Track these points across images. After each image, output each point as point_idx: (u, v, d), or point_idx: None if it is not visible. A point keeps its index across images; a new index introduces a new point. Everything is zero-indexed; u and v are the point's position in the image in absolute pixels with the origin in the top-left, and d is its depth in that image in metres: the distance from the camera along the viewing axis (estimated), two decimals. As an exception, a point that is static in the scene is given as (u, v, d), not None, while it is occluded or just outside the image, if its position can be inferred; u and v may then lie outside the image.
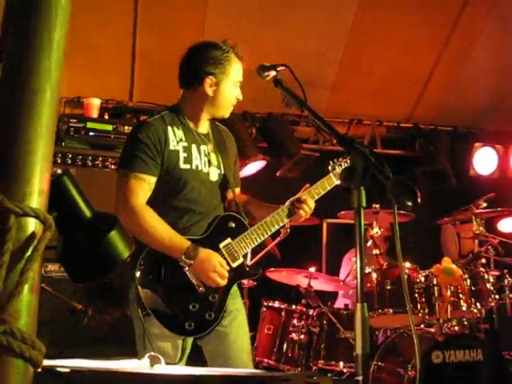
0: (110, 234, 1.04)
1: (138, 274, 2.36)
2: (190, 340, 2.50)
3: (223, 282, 2.42)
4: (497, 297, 4.19)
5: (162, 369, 1.40)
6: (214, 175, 2.59)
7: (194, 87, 2.54)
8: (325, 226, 5.51)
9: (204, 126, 2.63)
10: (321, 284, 4.56)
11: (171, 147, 2.46)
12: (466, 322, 4.36)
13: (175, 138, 2.49)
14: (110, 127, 3.82)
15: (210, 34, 4.93)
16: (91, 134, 3.74)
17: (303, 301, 4.35)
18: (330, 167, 2.89)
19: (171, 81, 5.18)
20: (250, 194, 2.97)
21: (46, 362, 1.34)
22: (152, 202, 2.42)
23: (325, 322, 4.14)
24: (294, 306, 4.32)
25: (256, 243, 2.55)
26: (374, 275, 3.92)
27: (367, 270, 3.97)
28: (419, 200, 1.62)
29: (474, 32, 5.25)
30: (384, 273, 3.93)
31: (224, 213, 2.60)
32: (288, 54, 5.17)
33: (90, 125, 3.74)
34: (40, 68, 0.91)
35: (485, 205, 4.60)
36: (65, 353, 3.43)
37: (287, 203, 2.63)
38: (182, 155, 2.48)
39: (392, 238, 4.92)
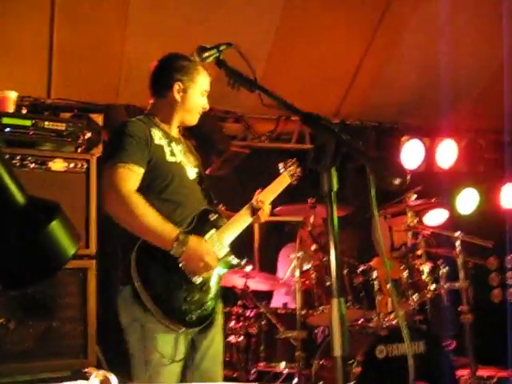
0: (51, 224, 0.83)
1: (133, 270, 2.34)
2: (187, 336, 2.50)
3: (216, 265, 2.50)
4: (432, 287, 4.20)
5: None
6: (192, 173, 2.68)
7: (164, 94, 2.68)
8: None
9: (175, 132, 2.75)
10: (256, 283, 4.41)
11: (156, 141, 2.55)
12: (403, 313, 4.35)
13: (156, 136, 2.58)
14: (28, 122, 3.49)
15: (133, 29, 4.69)
16: (7, 130, 3.40)
17: (239, 302, 4.19)
18: (280, 168, 3.04)
19: (90, 77, 4.95)
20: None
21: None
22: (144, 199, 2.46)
23: (263, 322, 4.01)
24: (230, 308, 4.16)
25: (237, 233, 2.66)
26: (314, 272, 3.82)
27: (306, 266, 3.88)
28: (408, 178, 1.51)
29: (398, 29, 5.29)
30: (323, 269, 3.84)
31: (202, 207, 2.65)
32: (214, 49, 5.04)
33: (5, 120, 3.39)
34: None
35: (414, 197, 4.62)
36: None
37: (247, 206, 2.76)
38: (167, 149, 2.58)
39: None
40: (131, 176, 2.43)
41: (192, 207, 2.59)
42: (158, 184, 2.52)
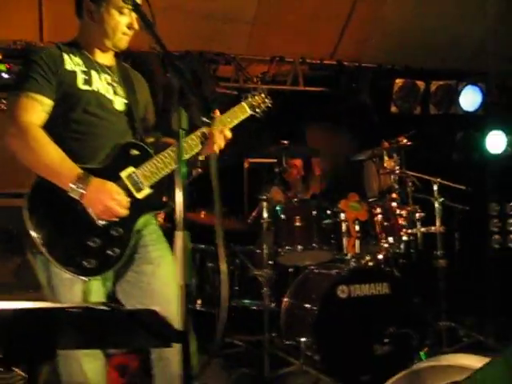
0: None
1: (26, 206, 2.12)
2: (96, 284, 2.23)
3: (123, 212, 2.21)
4: (409, 231, 4.23)
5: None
6: (120, 104, 2.43)
7: (81, 15, 2.40)
8: (246, 165, 5.42)
9: (105, 59, 2.47)
10: (236, 224, 4.50)
11: (67, 67, 2.30)
12: (380, 257, 4.41)
13: (72, 62, 2.32)
14: (2, 67, 3.60)
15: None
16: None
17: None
18: (243, 97, 2.77)
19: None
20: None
21: None
22: (50, 130, 2.23)
23: (237, 261, 4.13)
24: (207, 247, 4.29)
25: (165, 172, 2.33)
26: (284, 212, 3.89)
27: (278, 207, 3.95)
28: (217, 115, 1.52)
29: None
30: (293, 210, 3.90)
31: (125, 141, 2.37)
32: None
33: (-21, 64, 3.51)
34: None
35: (405, 141, 4.58)
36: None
37: (197, 132, 2.41)
38: (81, 76, 2.32)
39: (328, 179, 4.88)
40: (34, 107, 2.21)
41: (109, 140, 2.33)
42: (69, 114, 2.28)
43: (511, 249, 6.35)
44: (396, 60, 5.79)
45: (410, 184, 4.63)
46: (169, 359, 2.33)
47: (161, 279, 2.37)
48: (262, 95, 2.77)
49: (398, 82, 5.55)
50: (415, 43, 5.52)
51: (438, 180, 4.31)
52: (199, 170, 4.25)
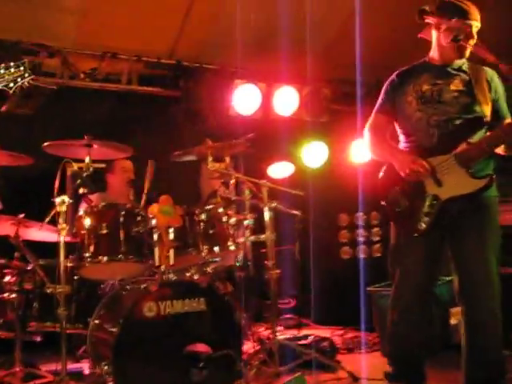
0: None
1: None
2: None
3: None
4: (238, 241, 3.87)
5: None
6: None
7: None
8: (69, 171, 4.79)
9: None
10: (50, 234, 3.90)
11: None
12: (208, 270, 4.03)
13: None
14: None
15: None
16: None
17: (17, 254, 3.70)
18: None
19: None
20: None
21: None
22: None
23: (37, 277, 3.54)
24: (7, 261, 3.67)
25: None
26: (88, 219, 3.36)
27: (81, 211, 3.44)
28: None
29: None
30: (98, 215, 3.39)
31: None
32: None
33: None
34: None
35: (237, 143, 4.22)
36: None
37: None
38: None
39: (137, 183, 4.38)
40: None
41: None
42: None
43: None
44: (236, 60, 5.47)
45: (246, 190, 4.29)
46: None
47: None
48: (21, 68, 2.31)
49: (238, 82, 5.22)
50: (255, 44, 5.24)
51: (267, 184, 3.97)
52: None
